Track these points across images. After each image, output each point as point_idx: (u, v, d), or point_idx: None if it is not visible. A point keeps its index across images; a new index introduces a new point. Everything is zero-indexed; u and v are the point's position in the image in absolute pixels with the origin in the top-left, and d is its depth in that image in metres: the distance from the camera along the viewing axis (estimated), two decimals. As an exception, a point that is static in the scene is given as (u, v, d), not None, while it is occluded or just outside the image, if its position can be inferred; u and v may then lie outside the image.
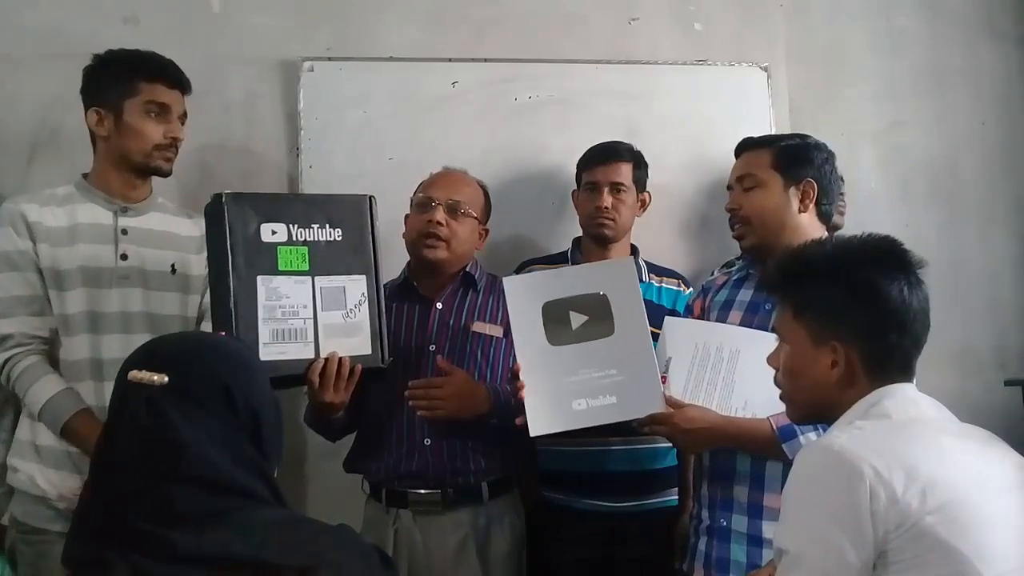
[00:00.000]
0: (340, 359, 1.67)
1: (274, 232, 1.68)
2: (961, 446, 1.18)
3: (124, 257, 1.84)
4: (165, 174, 1.90)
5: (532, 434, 1.73)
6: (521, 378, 1.73)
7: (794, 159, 1.75)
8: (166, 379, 1.09)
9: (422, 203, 1.93)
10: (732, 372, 1.68)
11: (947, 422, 1.24)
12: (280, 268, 1.67)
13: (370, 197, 1.77)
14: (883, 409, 1.20)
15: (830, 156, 1.80)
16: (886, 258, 1.27)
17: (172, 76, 1.87)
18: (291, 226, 1.69)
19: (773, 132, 2.45)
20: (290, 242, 1.68)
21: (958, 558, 1.06)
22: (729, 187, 1.83)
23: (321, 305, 1.69)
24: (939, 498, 1.07)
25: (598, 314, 1.74)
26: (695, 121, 2.48)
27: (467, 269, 1.97)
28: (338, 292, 1.71)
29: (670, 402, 1.68)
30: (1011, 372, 2.61)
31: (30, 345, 1.76)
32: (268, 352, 1.63)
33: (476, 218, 1.96)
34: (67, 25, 2.25)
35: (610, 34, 2.53)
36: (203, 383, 1.11)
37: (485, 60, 2.43)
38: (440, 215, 1.89)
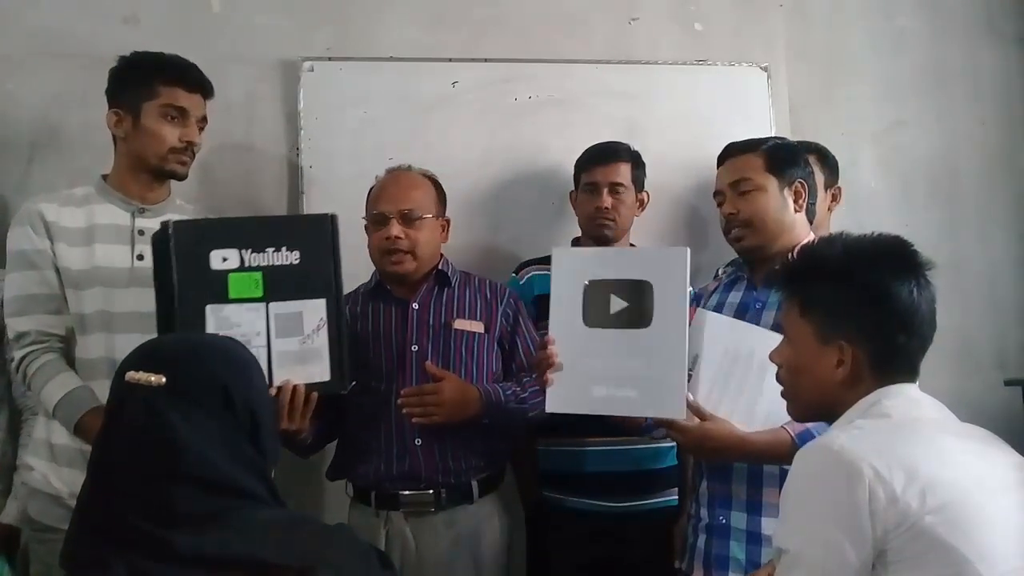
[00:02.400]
0: (295, 388, 1.62)
1: (225, 259, 1.61)
2: (961, 446, 1.17)
3: (140, 258, 1.84)
4: (180, 178, 1.90)
5: (548, 410, 1.72)
6: (550, 350, 1.70)
7: (785, 161, 1.77)
8: (163, 380, 1.08)
9: (376, 219, 1.90)
10: (761, 380, 1.60)
11: (947, 422, 1.24)
12: (231, 296, 1.60)
13: (332, 216, 1.71)
14: (883, 409, 1.20)
15: (807, 158, 1.84)
16: (897, 259, 1.27)
17: (192, 80, 1.87)
18: (243, 251, 1.62)
19: (773, 132, 2.46)
20: (242, 268, 1.62)
21: (957, 558, 1.05)
22: (717, 193, 1.83)
23: (275, 332, 1.63)
24: (939, 498, 1.07)
25: (639, 302, 1.67)
26: (695, 121, 2.48)
27: (439, 267, 1.95)
28: (295, 318, 1.64)
29: (694, 408, 1.63)
30: (1011, 372, 2.61)
31: (46, 343, 1.77)
32: None
33: (433, 216, 1.93)
34: (67, 25, 2.25)
35: (610, 34, 2.53)
36: (201, 383, 1.11)
37: (485, 60, 2.43)
38: (396, 229, 1.86)
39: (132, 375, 1.10)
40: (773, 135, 1.88)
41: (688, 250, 1.69)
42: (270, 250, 1.64)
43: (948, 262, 2.60)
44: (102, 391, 1.72)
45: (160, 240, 1.63)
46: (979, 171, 2.70)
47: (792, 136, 2.45)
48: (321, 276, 1.67)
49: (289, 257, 1.65)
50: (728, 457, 1.65)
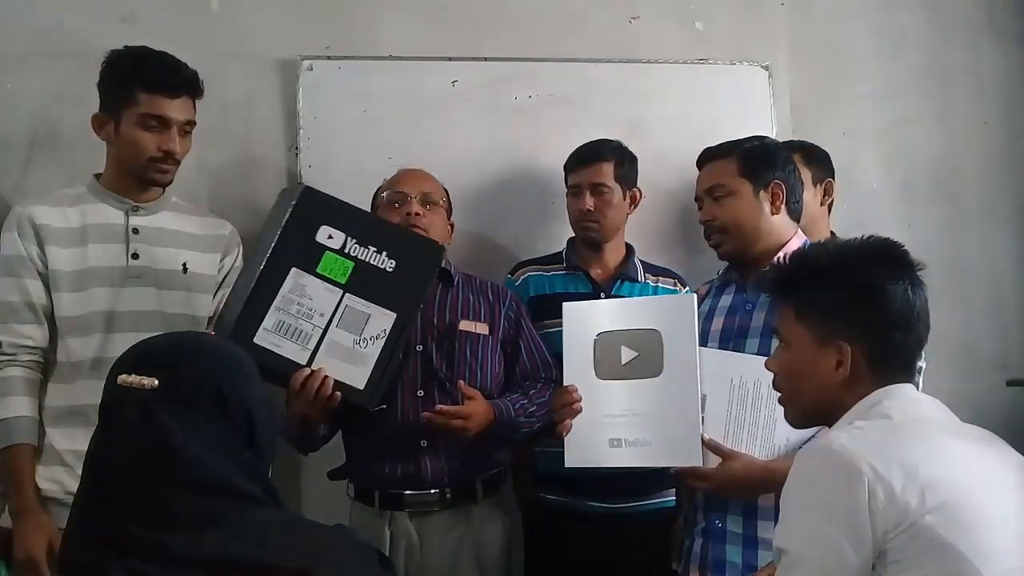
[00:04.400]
0: (325, 378, 1.65)
1: (330, 236, 1.69)
2: (962, 446, 1.18)
3: (135, 256, 1.84)
4: (162, 185, 1.89)
5: (567, 464, 1.74)
6: (574, 396, 1.73)
7: (759, 163, 1.76)
8: (156, 382, 1.08)
9: (394, 199, 1.91)
10: (772, 408, 1.58)
11: (948, 422, 1.24)
12: (318, 270, 1.68)
13: (442, 248, 1.78)
14: (883, 409, 1.20)
15: (789, 155, 1.82)
16: (888, 259, 1.28)
17: (175, 83, 1.83)
18: (349, 238, 1.70)
19: (774, 132, 2.46)
20: (340, 251, 1.69)
21: (957, 557, 1.05)
22: (697, 198, 1.84)
23: (338, 321, 1.68)
24: (938, 497, 1.07)
25: (649, 351, 1.70)
26: (696, 120, 2.46)
27: (443, 265, 1.94)
28: (361, 317, 1.69)
29: (712, 446, 1.61)
30: (1013, 372, 2.60)
31: (14, 355, 1.76)
32: (263, 338, 1.65)
33: (445, 210, 1.96)
34: (65, 24, 2.24)
35: (611, 33, 2.52)
36: (195, 385, 1.10)
37: (485, 59, 2.42)
38: (416, 207, 1.89)
39: (124, 378, 1.09)
40: (752, 136, 1.86)
41: (695, 296, 1.72)
42: (372, 249, 1.71)
43: (950, 262, 2.59)
44: (96, 392, 1.74)
45: (285, 195, 1.71)
46: (981, 171, 2.69)
47: (793, 135, 2.45)
48: (404, 294, 1.72)
49: (385, 263, 1.72)
50: (758, 492, 1.61)
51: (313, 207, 1.69)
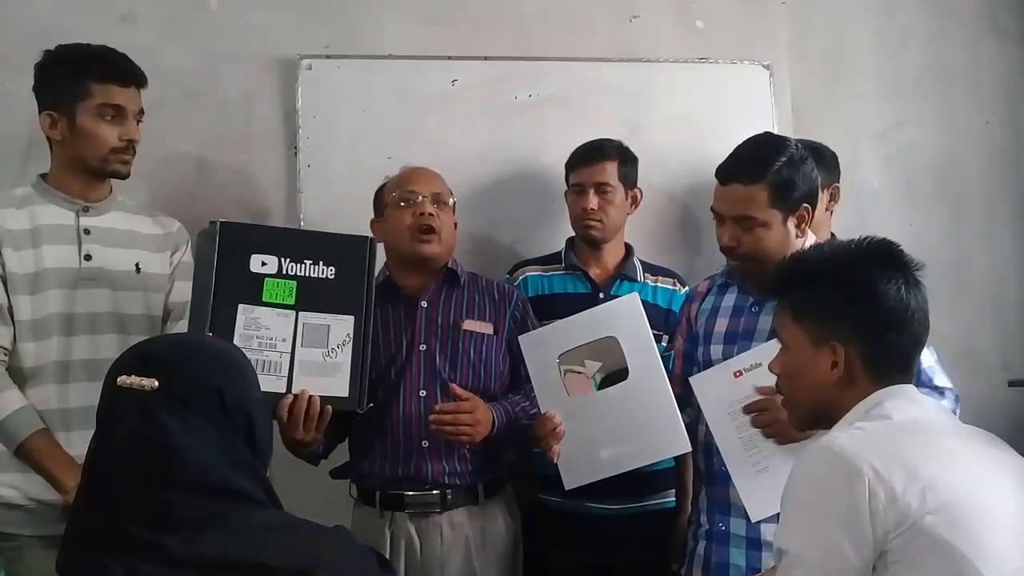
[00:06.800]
0: (310, 398, 1.65)
1: (264, 263, 1.69)
2: (962, 447, 1.18)
3: (88, 258, 1.81)
4: (123, 177, 1.86)
5: (567, 487, 1.77)
6: (556, 420, 1.75)
7: (790, 189, 1.67)
8: (156, 384, 1.08)
9: (405, 198, 1.89)
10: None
11: (948, 424, 1.24)
12: (264, 299, 1.68)
13: (371, 240, 1.77)
14: (884, 410, 1.20)
15: (808, 157, 1.72)
16: (883, 258, 1.28)
17: (124, 74, 1.81)
18: (282, 259, 1.70)
19: (774, 132, 2.43)
20: (279, 275, 1.69)
21: (958, 558, 1.06)
22: (715, 211, 1.75)
23: (301, 341, 1.69)
24: (939, 498, 1.07)
25: (611, 359, 1.75)
26: (696, 119, 2.47)
27: (448, 265, 1.95)
28: (321, 330, 1.70)
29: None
30: (1015, 373, 2.60)
31: None
32: None
33: (452, 209, 1.95)
34: (64, 23, 2.23)
35: (611, 32, 2.52)
36: (195, 386, 1.10)
37: (485, 58, 2.42)
38: (429, 207, 1.87)
39: (124, 380, 1.09)
40: (776, 143, 1.75)
41: (636, 296, 1.78)
42: (308, 262, 1.71)
43: (952, 262, 2.59)
44: (52, 395, 1.73)
45: (207, 236, 1.69)
46: (983, 170, 2.69)
47: (794, 135, 2.43)
48: (353, 295, 1.73)
49: (325, 272, 1.72)
50: None
51: (236, 240, 1.68)
